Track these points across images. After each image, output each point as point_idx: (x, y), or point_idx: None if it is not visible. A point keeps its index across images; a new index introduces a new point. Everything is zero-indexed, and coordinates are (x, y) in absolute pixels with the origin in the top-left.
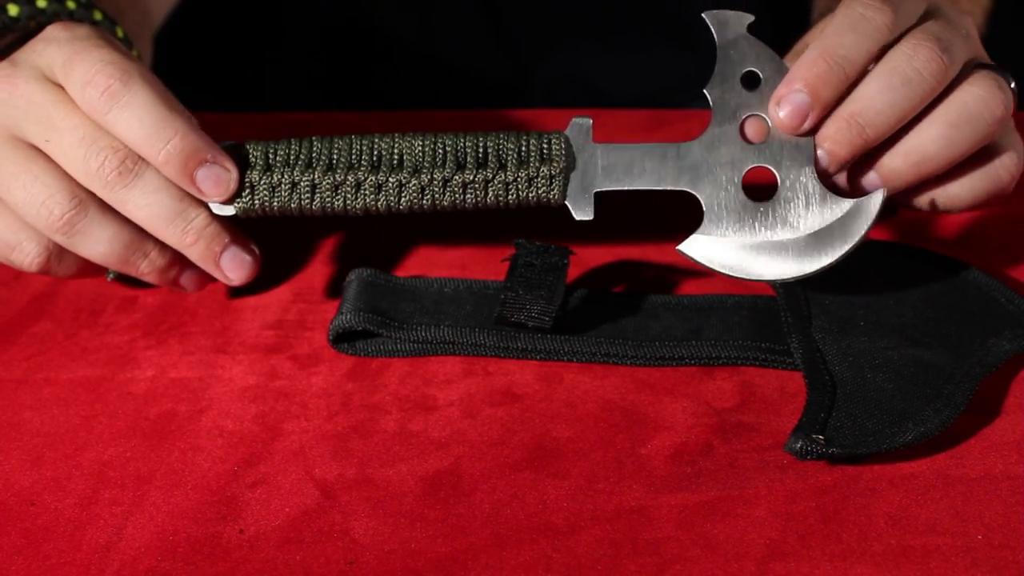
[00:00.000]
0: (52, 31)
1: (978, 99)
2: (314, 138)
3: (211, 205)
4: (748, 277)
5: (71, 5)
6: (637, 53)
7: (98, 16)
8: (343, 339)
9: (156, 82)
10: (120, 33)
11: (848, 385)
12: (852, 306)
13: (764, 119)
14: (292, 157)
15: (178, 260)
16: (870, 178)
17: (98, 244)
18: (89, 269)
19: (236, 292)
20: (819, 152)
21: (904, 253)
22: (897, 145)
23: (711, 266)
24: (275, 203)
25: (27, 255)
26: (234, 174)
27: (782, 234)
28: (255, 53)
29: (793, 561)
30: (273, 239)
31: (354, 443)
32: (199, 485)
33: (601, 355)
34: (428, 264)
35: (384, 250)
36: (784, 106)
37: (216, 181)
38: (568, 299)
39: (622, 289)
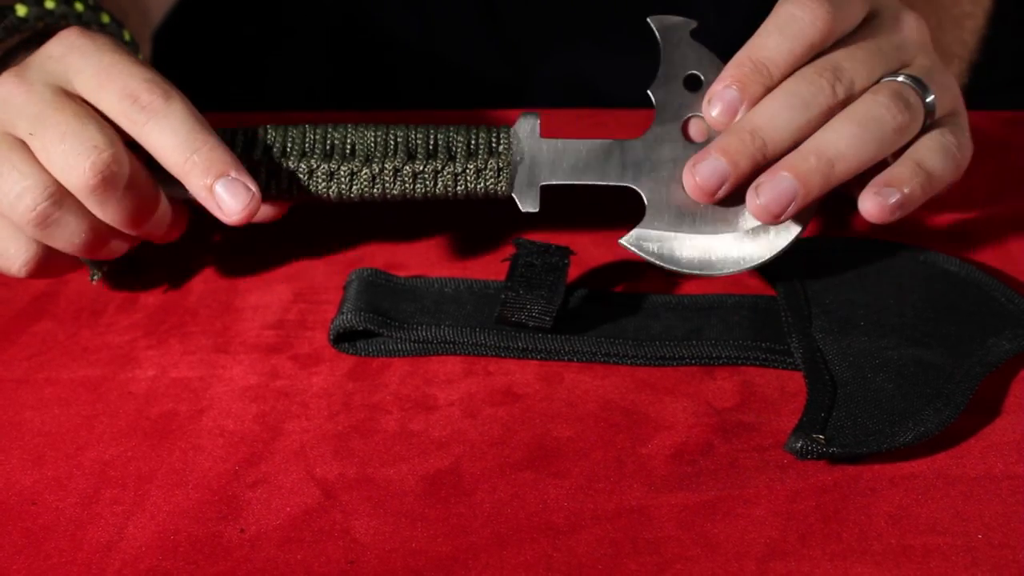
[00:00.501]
0: (71, 37)
1: (881, 106)
2: (268, 126)
3: (162, 182)
4: (684, 271)
5: (79, 7)
6: (637, 53)
7: (105, 19)
8: (344, 339)
9: (189, 102)
10: (127, 36)
11: (848, 385)
12: (852, 306)
13: (704, 120)
14: (247, 143)
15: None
16: (780, 178)
17: (72, 236)
18: (73, 265)
19: (237, 292)
20: (719, 161)
21: (904, 253)
22: (806, 145)
23: (650, 259)
24: None
25: (17, 260)
26: (256, 194)
27: (720, 229)
28: (254, 51)
29: (793, 560)
30: (274, 239)
31: (355, 443)
32: (200, 484)
33: (601, 355)
34: (429, 264)
35: (384, 250)
36: (716, 103)
37: (234, 194)
38: (568, 299)
39: (622, 289)
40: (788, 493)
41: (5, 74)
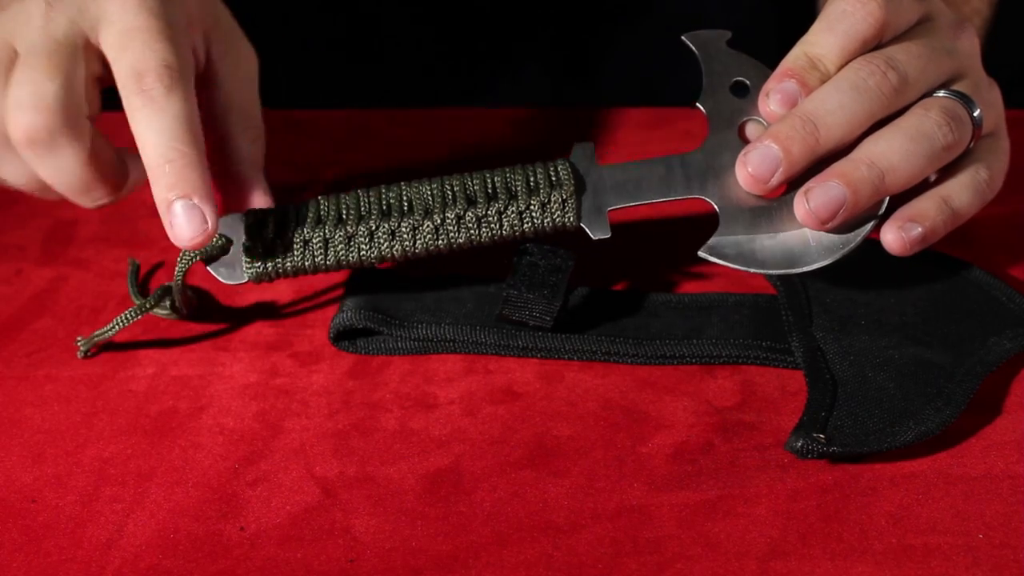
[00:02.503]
0: None
1: (933, 122)
2: (320, 197)
3: (217, 273)
4: (770, 271)
5: None
6: (639, 47)
7: None
8: (344, 337)
9: (194, 103)
10: None
11: (849, 384)
12: (853, 305)
13: (761, 122)
14: (300, 216)
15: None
16: (830, 185)
17: (15, 175)
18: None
19: (237, 290)
20: (771, 148)
21: None
22: (859, 153)
23: (732, 265)
24: (287, 263)
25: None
26: (211, 226)
27: (793, 227)
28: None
29: (794, 560)
30: None
31: (355, 441)
32: (200, 482)
33: (602, 353)
34: (429, 263)
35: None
36: (774, 95)
37: (190, 219)
38: (569, 297)
39: (623, 288)
40: (789, 492)
41: None
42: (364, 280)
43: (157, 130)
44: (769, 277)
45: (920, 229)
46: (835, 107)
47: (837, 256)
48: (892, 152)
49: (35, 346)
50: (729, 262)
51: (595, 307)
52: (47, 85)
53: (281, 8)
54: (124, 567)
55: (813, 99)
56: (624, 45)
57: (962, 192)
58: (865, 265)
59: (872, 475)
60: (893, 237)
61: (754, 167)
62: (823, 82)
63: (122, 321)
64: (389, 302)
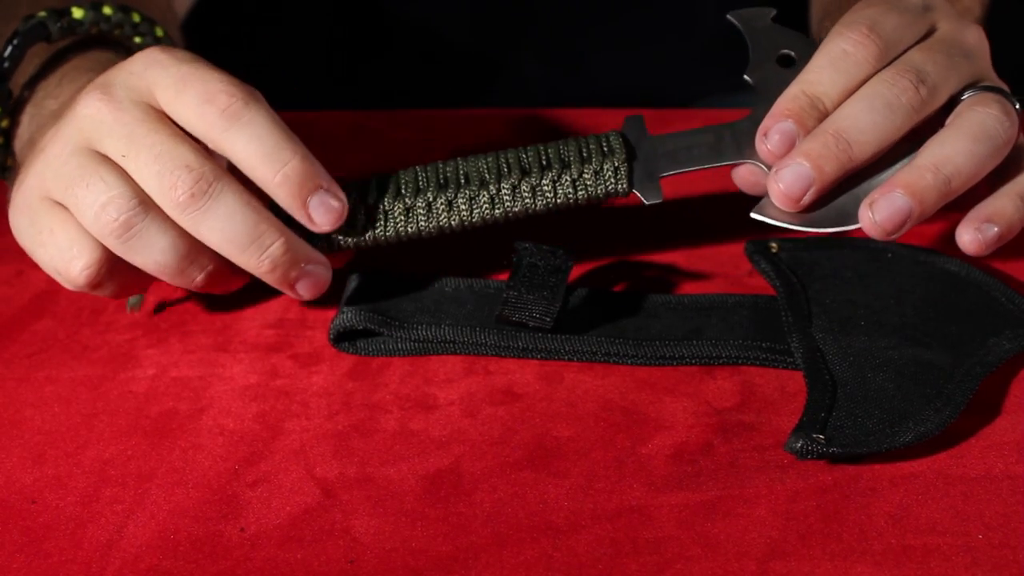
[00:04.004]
0: (152, 54)
1: (993, 118)
2: (373, 174)
3: None
4: (824, 229)
5: (136, 18)
6: (637, 46)
7: (160, 32)
8: (344, 338)
9: (271, 108)
10: (160, 32)
11: (848, 384)
12: (853, 305)
13: (760, 166)
14: (359, 190)
15: (232, 270)
16: (895, 197)
17: (155, 252)
18: (136, 285)
19: (237, 291)
20: (804, 166)
21: (904, 253)
22: (922, 160)
23: (783, 224)
24: (349, 239)
25: (79, 261)
26: (345, 205)
27: (844, 188)
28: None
29: (794, 560)
30: None
31: (355, 442)
32: (200, 484)
33: (602, 354)
34: (429, 264)
35: (385, 249)
36: (772, 135)
37: (328, 209)
38: (569, 298)
39: (622, 289)
40: (788, 493)
41: (89, 91)
42: (364, 281)
43: (258, 140)
44: (769, 277)
45: (997, 229)
46: (868, 126)
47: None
48: (957, 155)
49: (35, 347)
50: (780, 221)
51: (595, 308)
52: (174, 146)
53: (281, 8)
54: (124, 568)
55: (847, 115)
56: (623, 46)
57: None
58: (865, 266)
59: (872, 475)
60: (970, 238)
61: (787, 185)
62: (820, 121)
63: None
64: (389, 303)
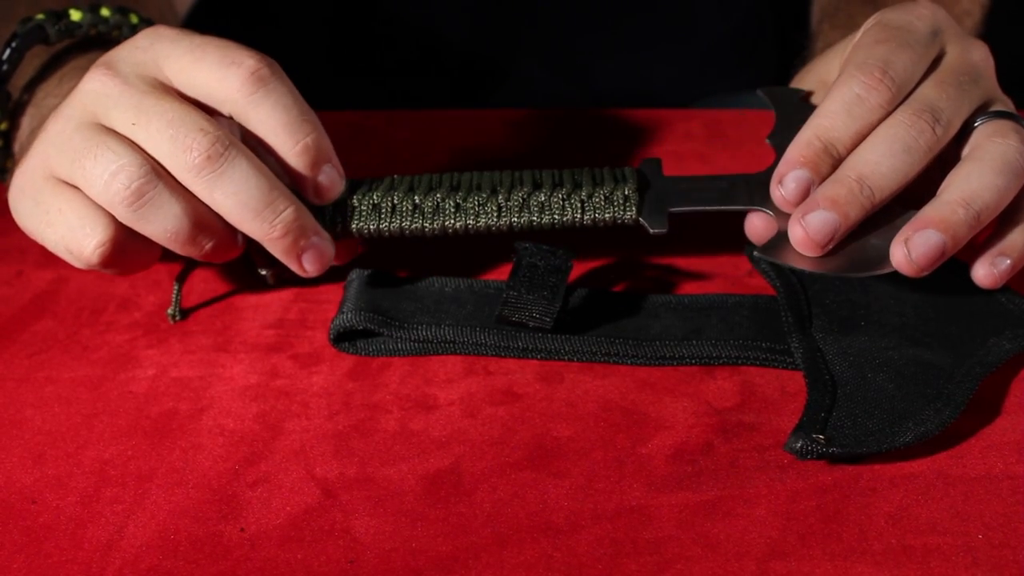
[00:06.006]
0: (157, 29)
1: (1014, 150)
2: (394, 176)
3: None
4: (838, 273)
5: (134, 19)
6: (637, 49)
7: (134, 19)
8: (344, 338)
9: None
10: None
11: (848, 385)
12: (853, 306)
13: (769, 212)
14: (371, 184)
15: (243, 241)
16: (930, 235)
17: (167, 219)
18: (145, 261)
19: (237, 291)
20: (830, 215)
21: None
22: (952, 196)
23: (789, 264)
24: (353, 225)
25: (92, 239)
26: (343, 179)
27: (863, 231)
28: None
29: (793, 560)
30: None
31: (355, 442)
32: (200, 484)
33: (602, 355)
34: (429, 264)
35: (385, 250)
36: (788, 183)
37: (332, 182)
38: (569, 299)
39: (622, 289)
40: (788, 493)
41: (94, 67)
42: (364, 282)
43: (284, 107)
44: (769, 278)
45: (1009, 261)
46: (889, 170)
47: (872, 273)
48: (984, 190)
49: (35, 348)
50: (791, 264)
51: (595, 308)
52: (186, 112)
53: (281, 8)
54: (124, 568)
55: (867, 160)
56: (623, 48)
57: None
58: None
59: (871, 476)
60: (985, 273)
61: (814, 231)
62: (835, 167)
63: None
64: (389, 303)
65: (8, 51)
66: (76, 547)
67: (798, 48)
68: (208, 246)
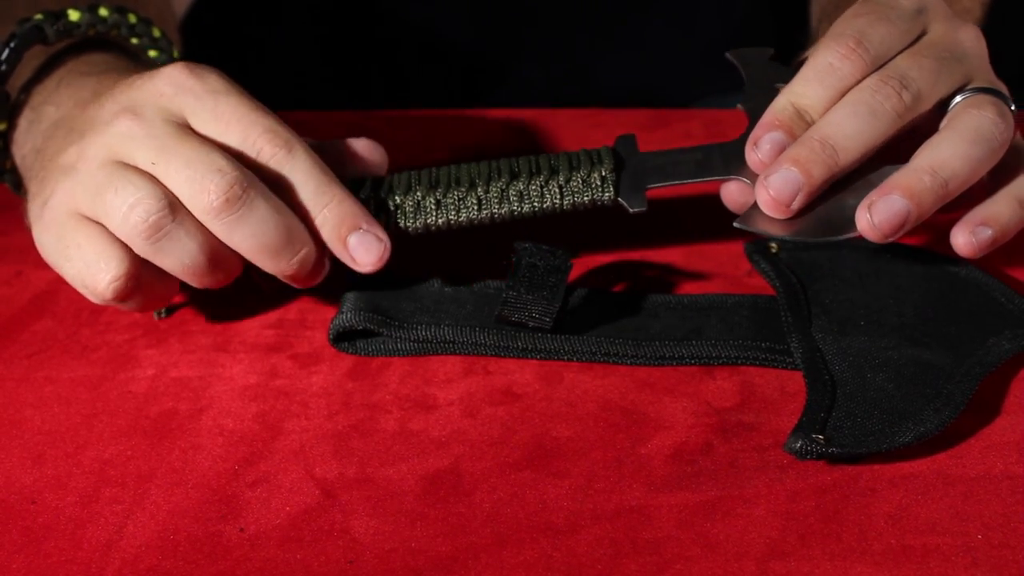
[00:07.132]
0: (180, 77)
1: (989, 121)
2: (370, 176)
3: None
4: (808, 239)
5: (132, 19)
6: (636, 49)
7: (157, 33)
8: (343, 338)
9: (310, 148)
10: (157, 33)
11: (848, 385)
12: (852, 306)
13: (744, 181)
14: (351, 188)
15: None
16: (893, 199)
17: (184, 254)
18: (161, 299)
19: (237, 291)
20: (792, 171)
21: (904, 253)
22: (919, 163)
23: (768, 233)
24: None
25: (107, 273)
26: (387, 243)
27: (828, 198)
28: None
29: (793, 560)
30: None
31: (354, 442)
32: (200, 484)
33: (601, 355)
34: (429, 264)
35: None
36: (763, 145)
37: (368, 248)
38: (568, 299)
39: (622, 289)
40: (788, 493)
41: (119, 111)
42: (363, 281)
43: (300, 185)
44: (768, 278)
45: (991, 232)
46: (853, 132)
47: (850, 235)
48: (954, 158)
49: (35, 347)
50: (766, 230)
51: (594, 308)
52: (206, 152)
53: (280, 8)
54: (124, 568)
55: (831, 122)
56: (622, 48)
57: None
58: (864, 266)
59: (871, 476)
60: (964, 241)
61: (776, 190)
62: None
63: None
64: (388, 303)
65: (6, 51)
66: (76, 547)
67: (798, 48)
68: (222, 278)
